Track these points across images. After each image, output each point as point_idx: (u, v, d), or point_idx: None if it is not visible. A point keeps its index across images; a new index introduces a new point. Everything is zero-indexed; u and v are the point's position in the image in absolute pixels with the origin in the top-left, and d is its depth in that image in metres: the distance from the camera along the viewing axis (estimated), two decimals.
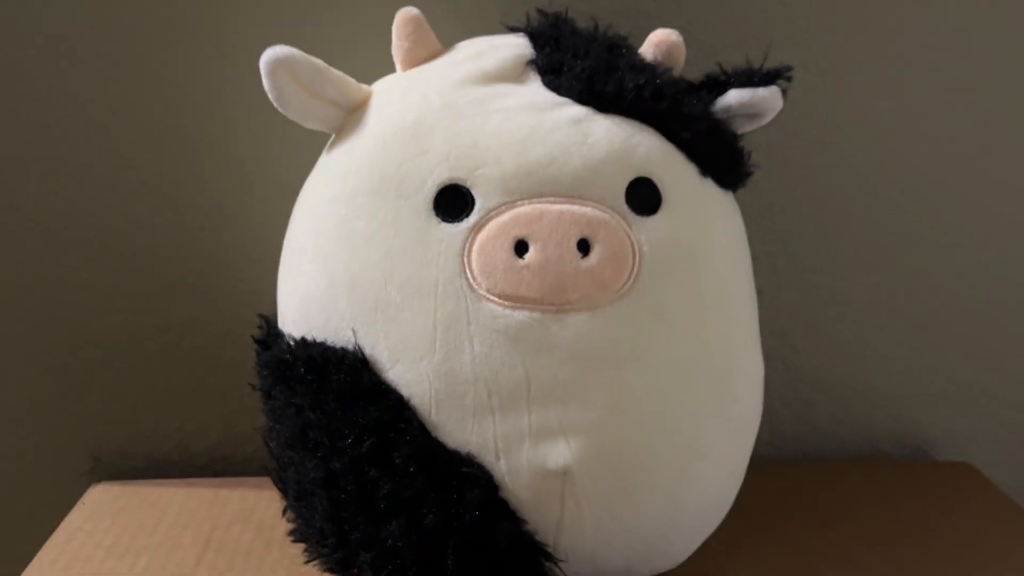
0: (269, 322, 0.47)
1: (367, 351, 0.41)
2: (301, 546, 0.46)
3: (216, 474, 0.61)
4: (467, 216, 0.41)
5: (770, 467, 0.63)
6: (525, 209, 0.40)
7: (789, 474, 0.62)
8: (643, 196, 0.42)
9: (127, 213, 0.57)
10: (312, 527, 0.44)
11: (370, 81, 0.47)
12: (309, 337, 0.42)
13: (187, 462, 0.61)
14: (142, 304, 0.59)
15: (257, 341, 0.46)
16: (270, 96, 0.43)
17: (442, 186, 0.41)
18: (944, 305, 0.63)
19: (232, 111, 0.56)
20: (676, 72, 0.46)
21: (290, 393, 0.42)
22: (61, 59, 0.55)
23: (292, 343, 0.43)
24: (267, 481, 0.52)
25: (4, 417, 0.60)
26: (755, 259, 0.58)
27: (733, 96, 0.44)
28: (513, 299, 0.40)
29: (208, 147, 0.57)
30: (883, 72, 0.59)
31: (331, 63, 0.45)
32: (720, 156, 0.45)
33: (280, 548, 0.51)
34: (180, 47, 0.55)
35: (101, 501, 0.56)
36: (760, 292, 0.59)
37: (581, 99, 0.43)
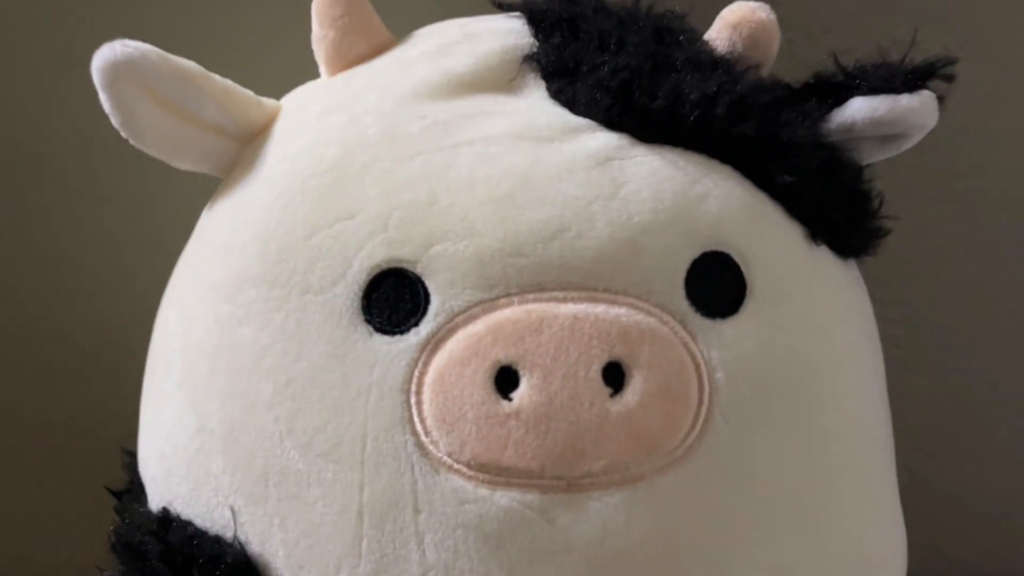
0: (134, 464, 0.34)
1: (254, 547, 0.29)
2: None
3: None
4: (416, 324, 0.28)
5: None
6: (514, 313, 0.28)
7: None
8: (716, 285, 0.30)
9: None
10: None
11: (288, 89, 0.35)
12: (173, 510, 0.30)
13: None
14: (12, 395, 0.49)
15: (115, 494, 0.34)
16: (113, 121, 0.31)
17: (377, 272, 0.29)
18: None
19: None
20: (765, 71, 0.33)
21: None
22: None
23: (149, 517, 0.31)
24: None
25: None
26: None
27: (859, 108, 0.32)
28: (494, 471, 0.27)
29: (104, 184, 0.47)
30: None
31: (233, 65, 0.34)
32: (839, 207, 0.32)
33: None
34: None
35: None
36: None
37: (611, 121, 0.31)
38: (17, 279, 0.48)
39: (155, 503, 0.31)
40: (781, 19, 0.41)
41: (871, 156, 0.34)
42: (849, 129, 0.32)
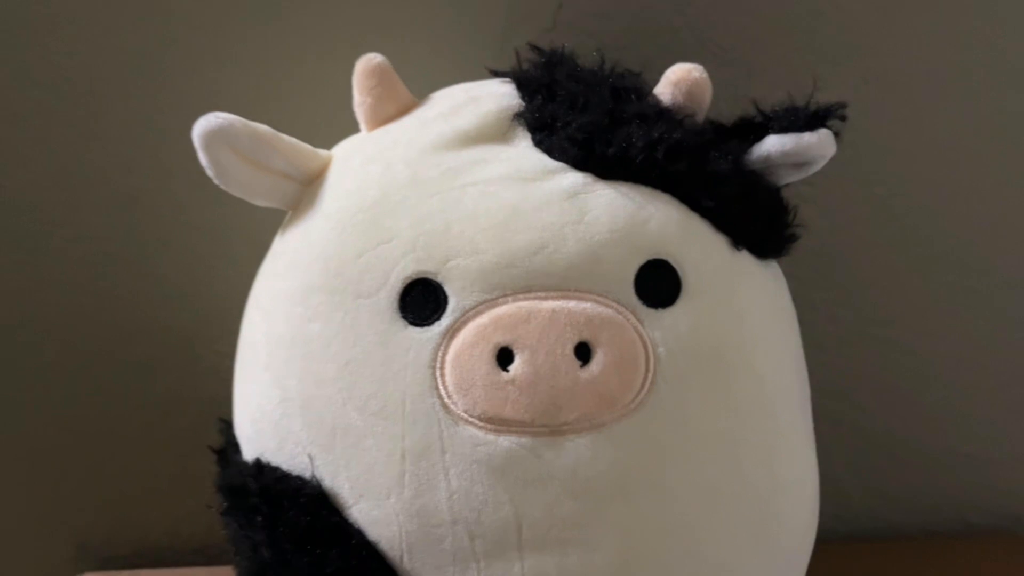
0: (230, 430, 0.40)
1: (327, 483, 0.35)
2: None
3: (209, 561, 0.55)
4: (439, 319, 0.34)
5: (838, 545, 0.55)
6: (509, 308, 0.34)
7: (860, 554, 0.54)
8: (658, 284, 0.35)
9: (93, 285, 0.52)
10: None
11: (338, 139, 0.40)
12: (264, 459, 0.37)
13: (177, 548, 0.56)
14: (118, 382, 0.54)
15: (216, 452, 0.40)
16: (209, 173, 0.37)
17: (409, 281, 0.35)
18: None
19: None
20: (701, 116, 0.38)
21: (246, 525, 0.36)
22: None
23: (246, 466, 0.37)
24: None
25: None
26: (812, 310, 0.51)
27: (771, 144, 0.37)
28: (497, 422, 0.33)
29: (187, 212, 0.51)
30: (964, 83, 0.49)
31: (292, 119, 0.39)
32: (757, 221, 0.37)
33: None
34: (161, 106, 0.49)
35: None
36: (819, 348, 0.51)
37: (578, 164, 0.36)
38: (122, 289, 0.52)
39: (249, 455, 0.37)
40: (727, 60, 0.47)
41: (787, 179, 0.38)
42: (766, 160, 0.37)
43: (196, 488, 0.52)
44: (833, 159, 0.44)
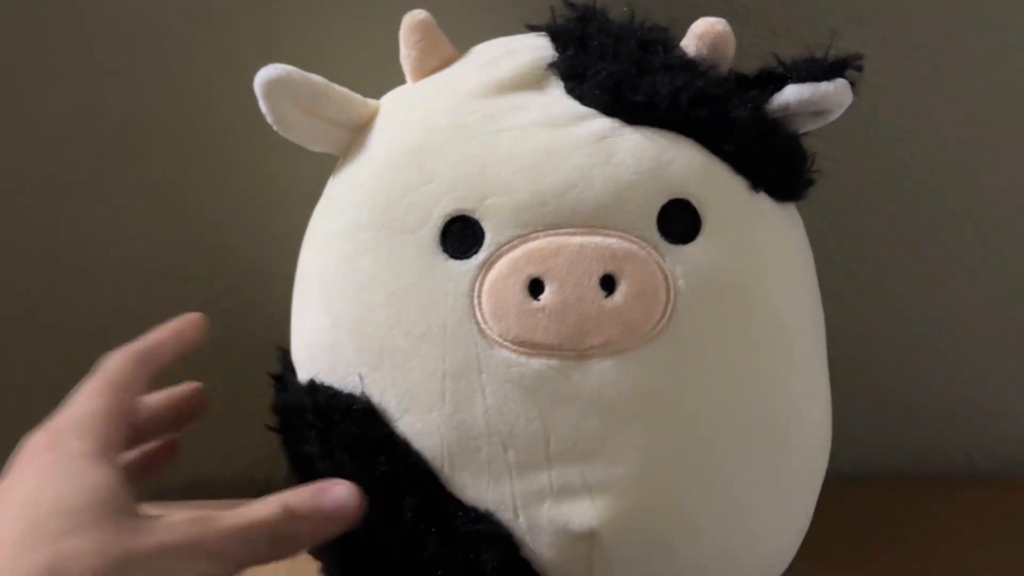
0: (287, 356, 0.43)
1: (375, 399, 0.38)
2: None
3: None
4: (476, 252, 0.37)
5: (852, 486, 0.58)
6: (540, 243, 0.36)
7: (873, 494, 0.57)
8: (679, 221, 0.37)
9: (150, 227, 0.55)
10: None
11: (386, 90, 0.43)
12: (317, 380, 0.40)
13: (225, 483, 0.60)
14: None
15: (274, 378, 0.43)
16: (269, 120, 0.40)
17: (449, 218, 0.37)
18: None
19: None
20: (724, 68, 0.40)
21: (301, 440, 0.40)
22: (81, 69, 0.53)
23: (301, 386, 0.40)
24: None
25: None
26: (829, 264, 0.53)
27: (790, 93, 0.39)
28: (528, 345, 0.36)
29: (241, 158, 0.54)
30: (985, 42, 0.50)
31: (344, 71, 0.42)
32: (775, 165, 0.40)
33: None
34: (214, 59, 0.52)
35: None
36: (838, 299, 0.53)
37: (607, 110, 0.38)
38: (181, 233, 0.55)
39: (303, 378, 0.40)
40: (751, 20, 0.49)
41: (806, 126, 0.40)
42: (785, 108, 0.39)
43: (247, 421, 0.55)
44: (853, 117, 0.46)
